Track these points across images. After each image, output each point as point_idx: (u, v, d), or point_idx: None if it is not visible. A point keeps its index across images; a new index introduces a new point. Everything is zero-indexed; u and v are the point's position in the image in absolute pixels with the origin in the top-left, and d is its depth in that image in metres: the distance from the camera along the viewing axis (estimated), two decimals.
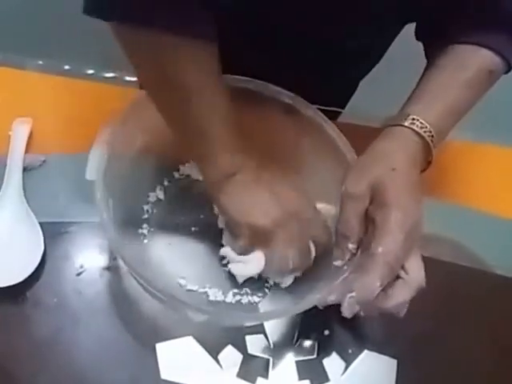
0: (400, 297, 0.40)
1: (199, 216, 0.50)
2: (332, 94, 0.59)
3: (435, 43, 0.49)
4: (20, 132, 0.50)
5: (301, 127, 0.49)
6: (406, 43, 0.54)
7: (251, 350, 0.46)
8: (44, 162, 0.51)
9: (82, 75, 0.58)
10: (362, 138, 0.45)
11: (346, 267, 0.42)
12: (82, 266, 0.47)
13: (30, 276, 0.45)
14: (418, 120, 0.44)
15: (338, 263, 0.42)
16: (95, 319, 0.45)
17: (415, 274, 0.41)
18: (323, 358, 0.46)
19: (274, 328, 0.47)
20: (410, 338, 0.49)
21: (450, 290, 0.52)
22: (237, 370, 0.45)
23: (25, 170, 0.49)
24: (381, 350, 0.48)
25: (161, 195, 0.51)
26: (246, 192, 0.44)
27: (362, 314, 0.40)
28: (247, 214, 0.44)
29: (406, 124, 0.44)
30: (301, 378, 0.45)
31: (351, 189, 0.41)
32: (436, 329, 0.50)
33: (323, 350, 0.47)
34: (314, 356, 0.46)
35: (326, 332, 0.48)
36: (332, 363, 0.46)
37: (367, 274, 0.38)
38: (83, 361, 0.44)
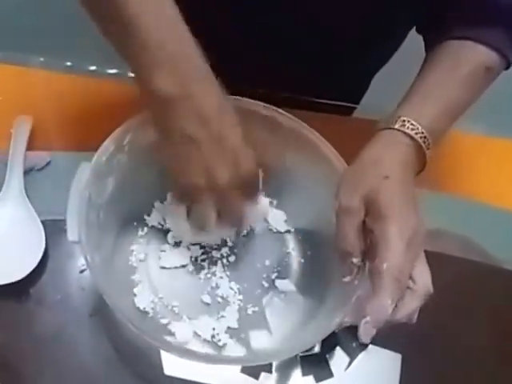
0: (409, 307, 0.39)
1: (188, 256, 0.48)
2: (344, 89, 0.58)
3: (432, 37, 0.48)
4: (21, 129, 0.50)
5: (283, 140, 0.48)
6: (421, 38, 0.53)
7: (255, 346, 0.45)
8: (49, 162, 0.51)
9: (85, 72, 0.58)
10: None
11: (356, 282, 0.41)
12: (84, 264, 0.47)
13: (33, 273, 0.45)
14: (408, 121, 0.42)
15: (347, 279, 0.41)
16: (98, 315, 0.45)
17: (422, 281, 0.40)
18: (327, 353, 0.46)
19: (279, 325, 0.47)
20: (415, 333, 0.48)
21: (458, 284, 0.51)
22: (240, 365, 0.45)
23: (31, 170, 0.49)
24: (385, 344, 0.47)
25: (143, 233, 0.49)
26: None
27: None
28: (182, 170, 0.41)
29: (397, 126, 0.42)
30: (304, 373, 0.45)
31: (345, 203, 0.40)
32: (442, 324, 0.49)
33: (327, 344, 0.46)
34: (318, 351, 0.46)
35: None
36: (336, 358, 0.46)
37: (377, 294, 0.37)
38: (87, 357, 0.44)
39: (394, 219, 0.38)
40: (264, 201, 0.50)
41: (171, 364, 0.43)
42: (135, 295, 0.45)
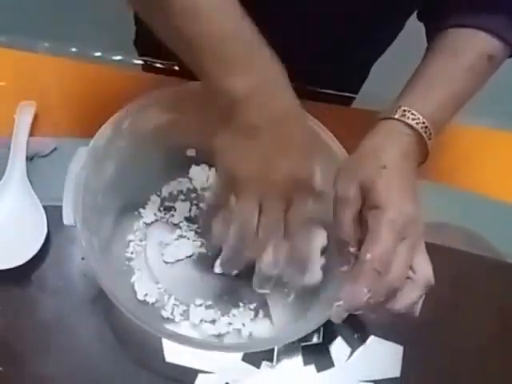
0: (408, 297, 0.39)
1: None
2: (343, 78, 0.58)
3: (434, 25, 0.47)
4: (25, 115, 0.50)
5: None
6: (421, 26, 0.52)
7: (256, 335, 0.45)
8: (55, 149, 0.50)
9: (90, 58, 0.57)
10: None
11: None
12: None
13: (35, 259, 0.45)
14: (409, 111, 0.41)
15: (344, 269, 0.40)
16: (100, 301, 0.45)
17: (422, 272, 0.39)
18: (329, 343, 0.46)
19: (280, 313, 0.47)
20: (417, 325, 0.48)
21: (460, 278, 0.51)
22: (242, 354, 0.44)
23: (34, 156, 0.49)
24: (387, 335, 0.47)
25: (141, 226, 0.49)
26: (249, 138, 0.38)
27: (373, 316, 0.39)
28: (233, 159, 0.39)
29: (397, 116, 0.41)
30: (306, 363, 0.45)
31: (341, 192, 0.40)
32: (444, 316, 0.49)
33: (329, 335, 0.46)
34: (320, 341, 0.46)
35: None
36: (337, 348, 0.46)
37: (354, 281, 0.37)
38: (88, 343, 0.44)
39: (388, 209, 0.38)
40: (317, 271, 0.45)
41: (172, 351, 0.43)
42: (134, 283, 0.45)
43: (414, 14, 0.54)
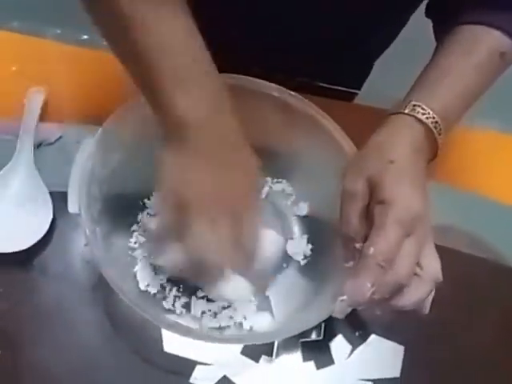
0: (415, 294, 0.38)
1: None
2: (344, 75, 0.57)
3: (443, 22, 0.46)
4: (34, 101, 0.50)
5: (294, 122, 0.47)
6: (426, 22, 0.52)
7: (257, 328, 0.45)
8: (60, 137, 0.51)
9: (101, 46, 0.57)
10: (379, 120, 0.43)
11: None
12: None
13: (39, 243, 0.45)
14: (419, 106, 0.41)
15: (349, 265, 0.40)
16: (101, 290, 0.45)
17: (430, 268, 0.39)
18: (329, 341, 0.46)
19: (281, 308, 0.46)
20: (419, 326, 0.48)
21: (465, 281, 0.50)
22: (241, 347, 0.44)
23: (41, 144, 0.49)
24: (388, 335, 0.47)
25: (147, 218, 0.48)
26: (196, 158, 0.38)
27: (378, 312, 0.39)
28: (182, 180, 0.38)
29: (407, 111, 0.41)
30: (305, 359, 0.45)
31: (349, 186, 0.39)
32: (448, 319, 0.48)
33: (330, 332, 0.46)
34: (320, 338, 0.46)
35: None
36: (338, 346, 0.46)
37: (357, 275, 0.36)
38: (86, 330, 0.44)
39: (394, 204, 0.37)
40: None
41: (171, 341, 0.43)
42: (136, 273, 0.45)
43: (419, 9, 0.54)
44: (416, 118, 0.40)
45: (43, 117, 0.51)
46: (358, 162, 0.41)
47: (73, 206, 0.39)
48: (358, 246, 0.39)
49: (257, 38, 0.54)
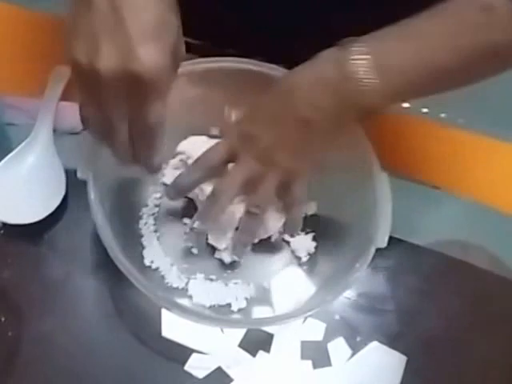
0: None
1: None
2: None
3: None
4: (58, 79, 0.51)
5: None
6: None
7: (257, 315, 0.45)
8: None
9: None
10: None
11: (358, 265, 0.40)
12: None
13: (50, 218, 0.45)
14: (355, 40, 0.35)
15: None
16: (106, 268, 0.45)
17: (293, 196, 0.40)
18: (328, 342, 0.45)
19: (283, 304, 0.46)
20: (425, 338, 0.46)
21: (480, 298, 0.49)
22: (239, 339, 0.44)
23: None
24: (392, 344, 0.46)
25: (157, 195, 0.48)
26: None
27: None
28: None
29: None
30: (303, 357, 0.44)
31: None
32: (456, 334, 0.47)
33: (330, 333, 0.45)
34: (320, 339, 0.45)
35: (337, 317, 0.46)
36: (337, 348, 0.45)
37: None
38: (88, 307, 0.44)
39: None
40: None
41: (170, 327, 0.43)
42: (142, 250, 0.45)
43: None
44: (340, 46, 0.35)
45: (66, 96, 0.52)
46: None
47: (82, 172, 0.39)
48: None
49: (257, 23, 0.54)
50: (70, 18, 0.32)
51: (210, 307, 0.44)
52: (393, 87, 0.35)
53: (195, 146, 0.44)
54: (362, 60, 0.34)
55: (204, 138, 0.46)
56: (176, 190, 0.42)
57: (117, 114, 0.33)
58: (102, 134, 0.35)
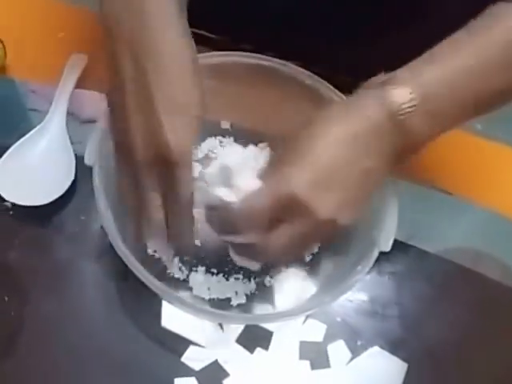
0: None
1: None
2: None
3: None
4: (74, 65, 0.52)
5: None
6: None
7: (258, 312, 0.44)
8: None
9: None
10: None
11: (360, 268, 0.39)
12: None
13: (58, 202, 0.46)
14: (393, 78, 0.33)
15: None
16: (110, 255, 0.44)
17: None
18: (328, 344, 0.44)
19: (284, 303, 0.45)
20: (429, 345, 0.45)
21: (489, 310, 0.48)
22: (237, 335, 0.43)
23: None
24: (393, 350, 0.45)
25: None
26: None
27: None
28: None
29: (375, 83, 0.34)
30: (302, 357, 0.44)
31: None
32: (460, 344, 0.46)
33: (331, 335, 0.45)
34: (320, 340, 0.44)
35: (338, 319, 0.46)
36: (337, 351, 0.44)
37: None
38: (90, 293, 0.45)
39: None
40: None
41: (169, 317, 0.43)
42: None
43: None
44: (381, 89, 0.33)
45: (82, 84, 0.52)
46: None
47: (89, 158, 0.40)
48: None
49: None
50: (108, 94, 0.36)
51: (210, 300, 0.44)
52: (444, 126, 0.35)
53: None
54: (411, 107, 0.33)
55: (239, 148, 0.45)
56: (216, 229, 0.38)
57: (150, 191, 0.35)
58: (136, 209, 0.37)
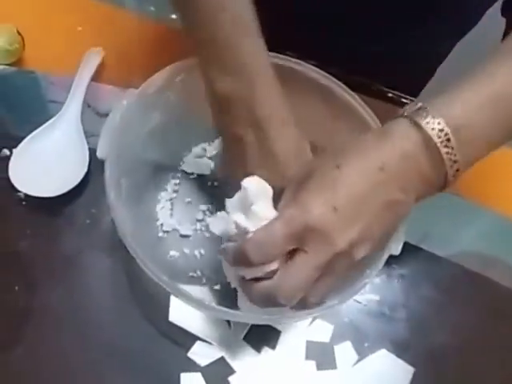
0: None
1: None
2: (407, 76, 0.55)
3: None
4: (91, 59, 0.52)
5: (336, 112, 0.44)
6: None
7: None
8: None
9: (166, 19, 0.58)
10: None
11: (368, 271, 0.38)
12: None
13: (70, 194, 0.46)
14: (425, 109, 0.32)
15: None
16: (120, 248, 0.45)
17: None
18: (335, 345, 0.44)
19: None
20: (436, 350, 0.45)
21: (500, 316, 0.48)
22: (244, 333, 0.44)
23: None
24: (400, 353, 0.45)
25: (176, 181, 0.49)
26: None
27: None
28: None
29: (406, 114, 0.33)
30: (308, 357, 0.44)
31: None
32: (467, 350, 0.46)
33: (338, 336, 0.45)
34: (327, 340, 0.44)
35: (346, 319, 0.45)
36: (344, 352, 0.44)
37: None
38: (99, 285, 0.45)
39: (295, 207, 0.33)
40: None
41: (177, 312, 0.43)
42: (158, 233, 0.45)
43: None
44: (414, 121, 0.32)
45: (98, 77, 0.53)
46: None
47: (102, 151, 0.40)
48: None
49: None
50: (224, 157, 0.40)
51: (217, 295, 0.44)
52: (477, 159, 0.35)
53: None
54: (444, 140, 0.32)
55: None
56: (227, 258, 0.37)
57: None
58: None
